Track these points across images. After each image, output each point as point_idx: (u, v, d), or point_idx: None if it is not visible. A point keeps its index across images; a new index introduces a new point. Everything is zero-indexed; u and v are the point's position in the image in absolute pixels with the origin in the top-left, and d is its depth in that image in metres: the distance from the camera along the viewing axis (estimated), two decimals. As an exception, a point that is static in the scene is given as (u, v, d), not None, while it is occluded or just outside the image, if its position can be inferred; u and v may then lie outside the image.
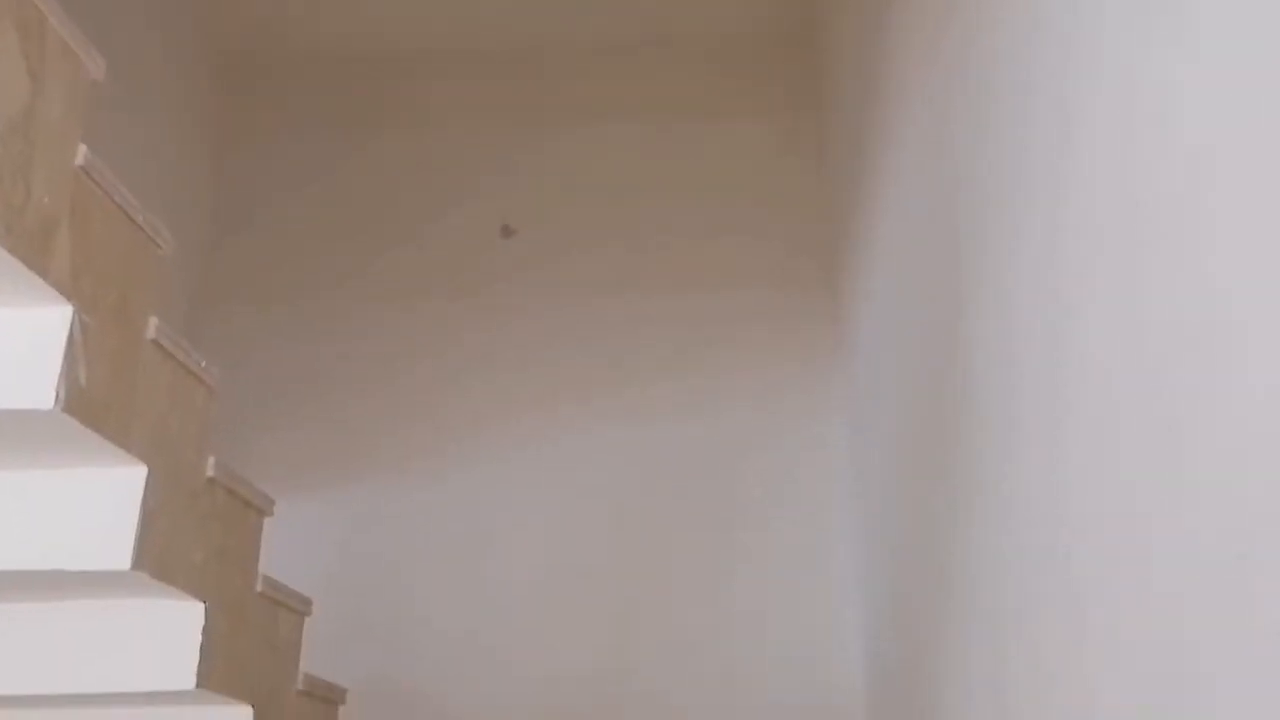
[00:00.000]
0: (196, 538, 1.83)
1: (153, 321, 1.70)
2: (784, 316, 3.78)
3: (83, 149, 1.55)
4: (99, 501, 1.68)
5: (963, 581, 1.98)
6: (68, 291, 1.50)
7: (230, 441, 3.49)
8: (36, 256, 1.44)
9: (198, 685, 1.82)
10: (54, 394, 1.47)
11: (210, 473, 1.87)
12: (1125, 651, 1.25)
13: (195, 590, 1.82)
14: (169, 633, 1.85)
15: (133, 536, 1.64)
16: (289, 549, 3.46)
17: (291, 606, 2.22)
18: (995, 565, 1.80)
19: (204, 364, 1.84)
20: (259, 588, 2.08)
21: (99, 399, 1.57)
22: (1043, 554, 1.56)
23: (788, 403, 3.63)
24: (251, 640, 2.04)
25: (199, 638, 1.83)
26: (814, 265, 3.83)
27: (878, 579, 2.98)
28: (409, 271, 3.89)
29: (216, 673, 1.89)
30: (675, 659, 3.34)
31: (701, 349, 3.73)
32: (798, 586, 3.40)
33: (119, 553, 1.65)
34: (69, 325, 1.50)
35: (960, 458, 1.99)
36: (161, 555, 1.71)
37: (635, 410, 3.66)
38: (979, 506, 1.87)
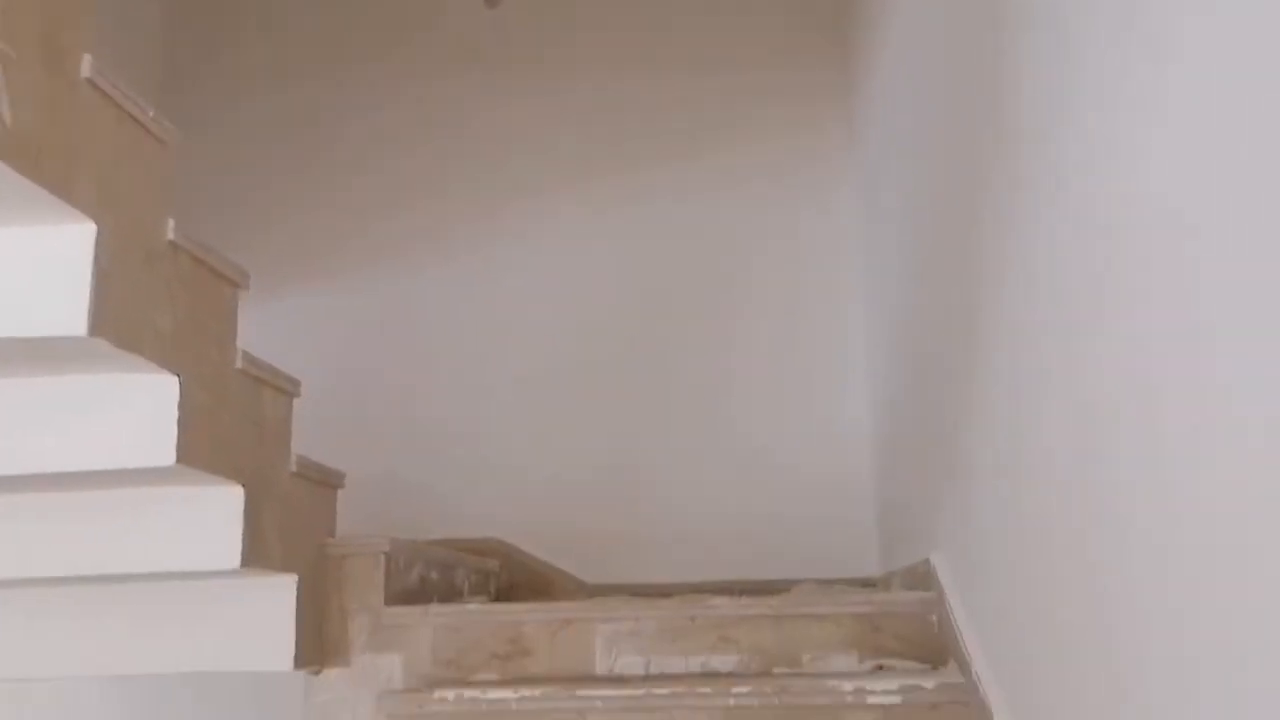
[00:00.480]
0: (161, 304, 1.70)
1: (86, 59, 1.51)
2: (793, 92, 3.56)
3: None
4: (47, 262, 1.53)
5: (987, 346, 1.85)
6: (-23, 15, 1.31)
7: (218, 231, 3.33)
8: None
9: (178, 460, 1.72)
10: (-27, 131, 1.30)
11: (171, 235, 1.72)
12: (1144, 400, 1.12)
13: (165, 361, 1.69)
14: (144, 406, 1.74)
15: (86, 298, 1.51)
16: (280, 338, 3.39)
17: (278, 386, 2.11)
18: (1019, 332, 1.66)
19: (152, 114, 1.66)
20: (239, 364, 1.96)
21: (30, 142, 1.40)
22: (1068, 325, 1.41)
23: (799, 178, 3.45)
24: (234, 417, 1.94)
25: (175, 411, 1.73)
26: (823, 40, 3.58)
27: (889, 348, 2.87)
28: (396, 49, 3.65)
29: (198, 447, 1.79)
30: (685, 442, 3.27)
31: (709, 128, 3.52)
32: (810, 361, 3.30)
33: (73, 316, 1.52)
34: (-18, 54, 1.32)
35: (990, 225, 1.83)
36: (121, 320, 1.58)
37: (640, 192, 3.49)
38: (1010, 273, 1.72)
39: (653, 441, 3.27)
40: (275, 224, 3.51)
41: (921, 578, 2.30)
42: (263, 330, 3.30)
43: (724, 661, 2.16)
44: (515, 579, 3.18)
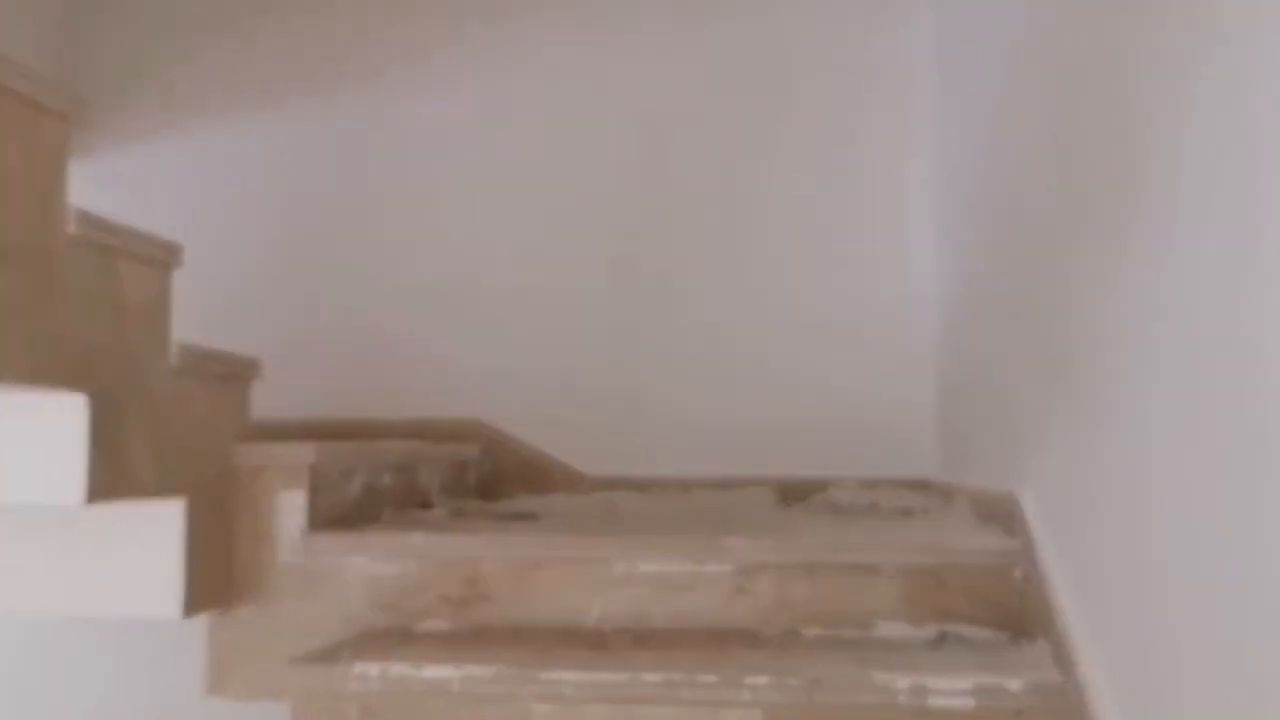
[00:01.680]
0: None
1: None
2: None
3: None
4: None
5: (1164, 178, 1.24)
6: None
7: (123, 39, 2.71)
8: None
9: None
10: None
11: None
12: None
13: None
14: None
15: None
16: (206, 179, 2.82)
17: (143, 255, 1.56)
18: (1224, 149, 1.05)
19: None
20: (73, 228, 1.41)
21: None
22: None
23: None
24: (70, 303, 1.40)
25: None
26: None
27: (972, 202, 2.25)
28: None
29: (10, 351, 1.27)
30: (707, 312, 2.71)
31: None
32: (863, 214, 2.69)
33: None
34: None
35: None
36: None
37: (671, 2, 2.81)
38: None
39: (669, 311, 2.71)
40: (207, 29, 2.89)
41: (1002, 515, 1.77)
42: (182, 172, 2.81)
43: (739, 622, 1.66)
44: (502, 467, 2.69)
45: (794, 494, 2.54)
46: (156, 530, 1.63)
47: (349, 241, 2.77)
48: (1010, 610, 1.63)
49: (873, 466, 2.58)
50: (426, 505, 2.29)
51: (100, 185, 2.45)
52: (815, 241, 2.69)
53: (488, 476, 2.66)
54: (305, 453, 1.78)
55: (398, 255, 2.76)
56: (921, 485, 2.53)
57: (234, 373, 1.81)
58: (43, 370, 1.35)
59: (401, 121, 2.80)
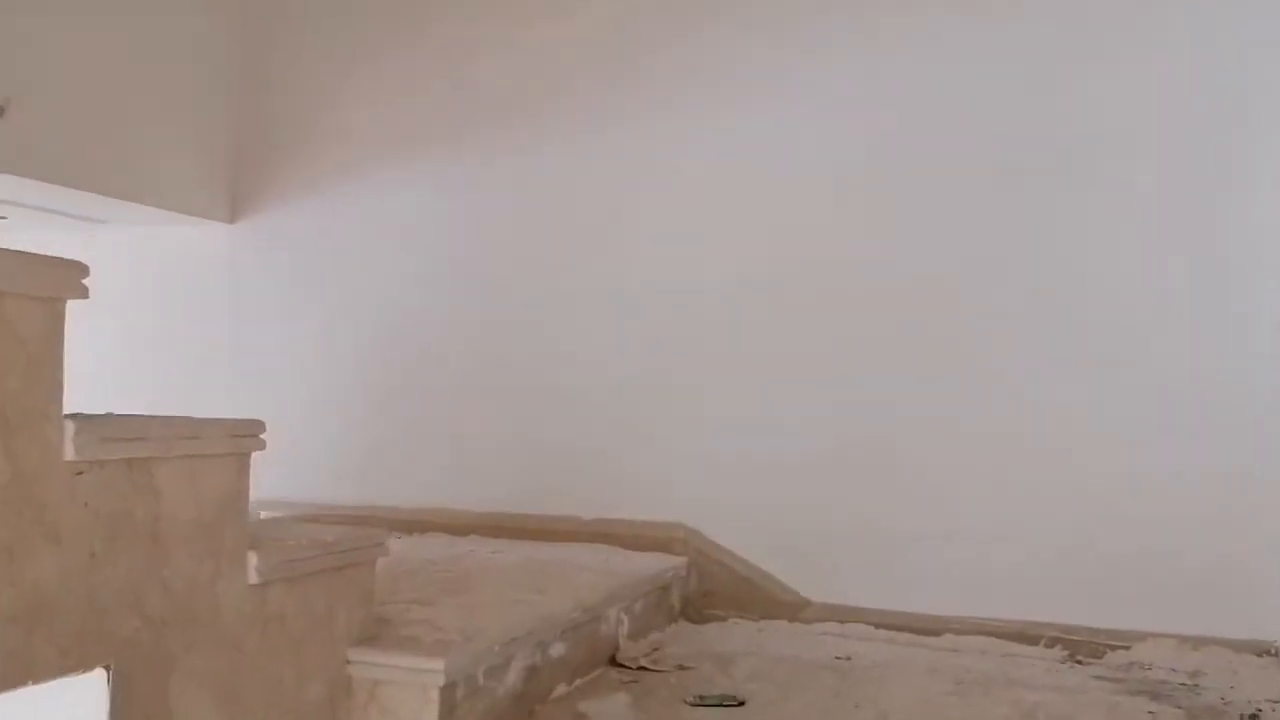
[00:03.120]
0: None
1: None
2: None
3: None
4: None
5: None
6: None
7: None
8: None
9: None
10: None
11: None
12: None
13: None
14: None
15: None
16: (340, 239, 2.43)
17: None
18: None
19: None
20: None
21: None
22: None
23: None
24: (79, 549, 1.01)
25: None
26: None
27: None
28: None
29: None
30: (966, 409, 2.11)
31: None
32: (1203, 293, 2.01)
33: None
34: None
35: None
36: None
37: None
38: None
39: (914, 404, 2.12)
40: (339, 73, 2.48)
41: None
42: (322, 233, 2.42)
43: None
44: (711, 584, 2.21)
45: (1085, 651, 1.94)
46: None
47: (533, 319, 2.29)
48: None
49: (1196, 619, 1.94)
50: (613, 660, 1.86)
51: (273, 247, 2.22)
52: (1121, 317, 2.03)
53: (694, 595, 2.20)
54: (432, 669, 1.36)
55: (595, 334, 2.27)
56: (1260, 649, 1.87)
57: (353, 558, 1.40)
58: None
59: (634, 182, 2.26)
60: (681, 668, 1.84)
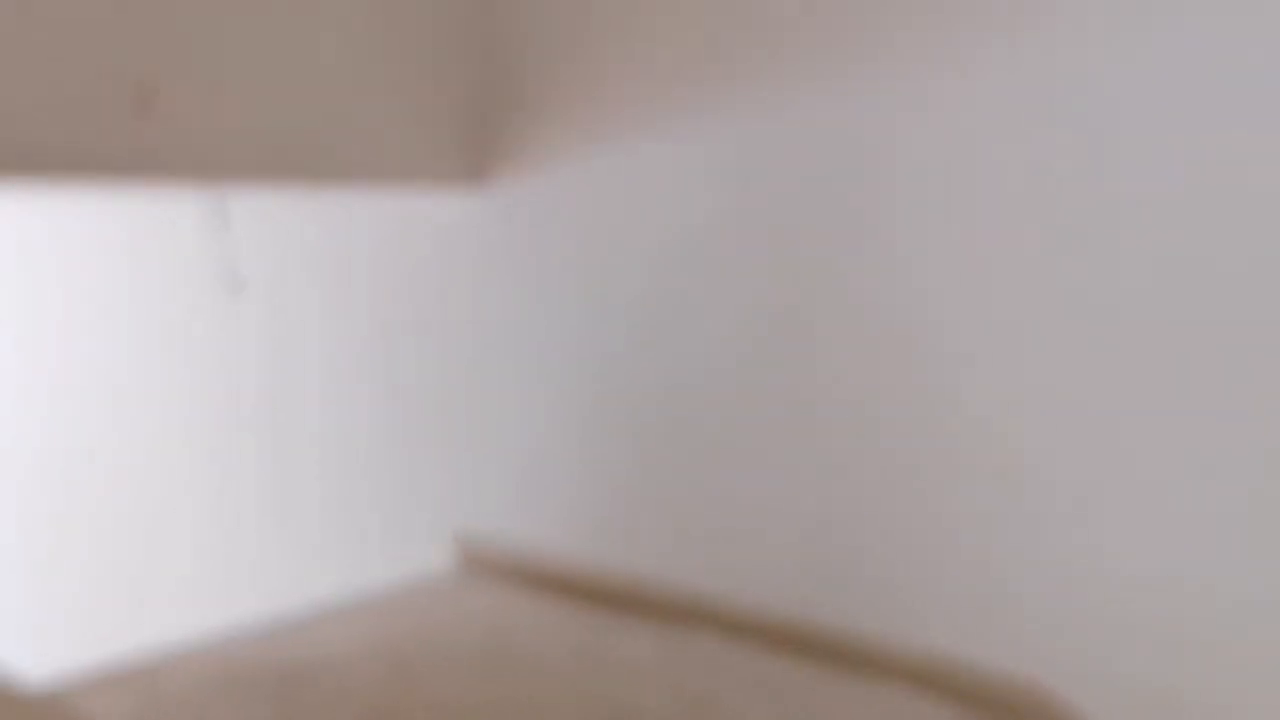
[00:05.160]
0: None
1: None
2: None
3: None
4: None
5: None
6: None
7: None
8: None
9: None
10: None
11: None
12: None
13: None
14: None
15: None
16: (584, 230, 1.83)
17: None
18: None
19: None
20: None
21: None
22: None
23: None
24: None
25: None
26: None
27: None
28: None
29: None
30: None
31: None
32: None
33: None
34: None
35: None
36: None
37: None
38: None
39: None
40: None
41: None
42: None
43: None
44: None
45: None
46: None
47: (857, 330, 1.63)
48: None
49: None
50: None
51: (511, 221, 1.73)
52: None
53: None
54: None
55: (963, 354, 1.57)
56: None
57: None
58: None
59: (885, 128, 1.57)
60: None
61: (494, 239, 1.72)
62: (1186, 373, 1.27)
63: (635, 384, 1.60)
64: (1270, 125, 1.19)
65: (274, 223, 2.02)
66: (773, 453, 1.58)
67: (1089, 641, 1.43)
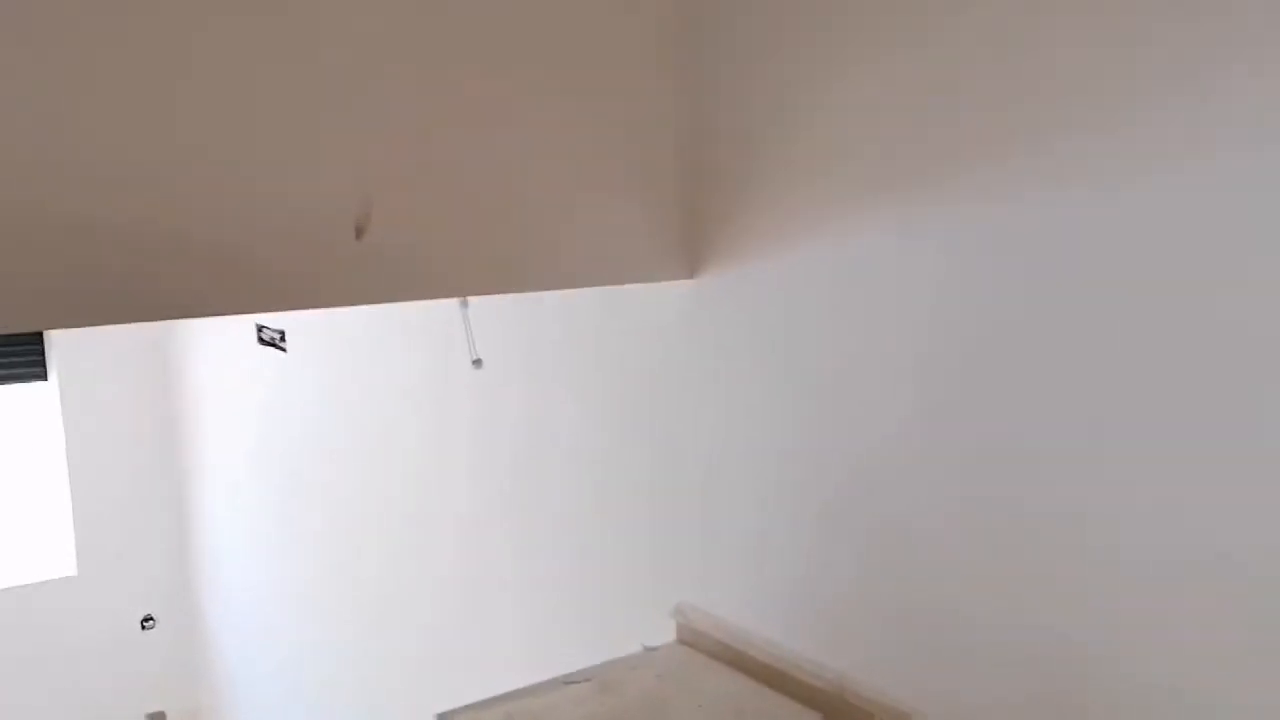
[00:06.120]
0: None
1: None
2: None
3: None
4: None
5: None
6: None
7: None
8: None
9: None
10: None
11: None
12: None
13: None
14: None
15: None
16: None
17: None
18: None
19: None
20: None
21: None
22: None
23: None
24: None
25: None
26: None
27: None
28: None
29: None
30: None
31: None
32: None
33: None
34: None
35: None
36: None
37: None
38: None
39: None
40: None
41: None
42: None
43: None
44: None
45: None
46: None
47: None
48: None
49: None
50: None
51: (721, 307, 1.73)
52: None
53: None
54: None
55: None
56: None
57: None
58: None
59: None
60: None
61: (705, 322, 1.73)
62: None
63: (828, 475, 1.54)
64: None
65: (512, 315, 2.25)
66: (994, 571, 1.34)
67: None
